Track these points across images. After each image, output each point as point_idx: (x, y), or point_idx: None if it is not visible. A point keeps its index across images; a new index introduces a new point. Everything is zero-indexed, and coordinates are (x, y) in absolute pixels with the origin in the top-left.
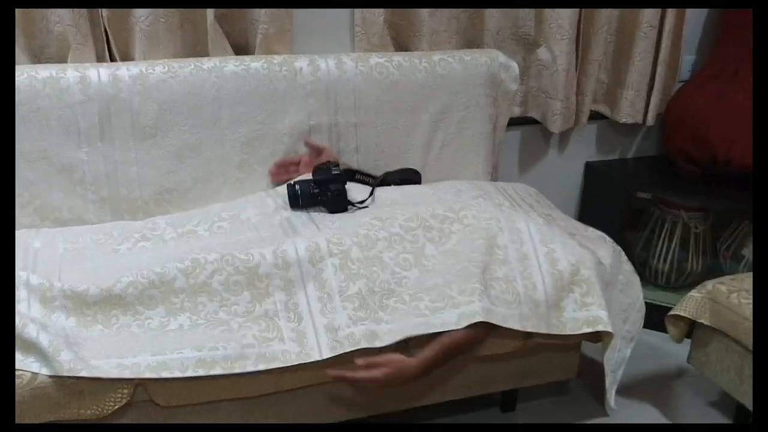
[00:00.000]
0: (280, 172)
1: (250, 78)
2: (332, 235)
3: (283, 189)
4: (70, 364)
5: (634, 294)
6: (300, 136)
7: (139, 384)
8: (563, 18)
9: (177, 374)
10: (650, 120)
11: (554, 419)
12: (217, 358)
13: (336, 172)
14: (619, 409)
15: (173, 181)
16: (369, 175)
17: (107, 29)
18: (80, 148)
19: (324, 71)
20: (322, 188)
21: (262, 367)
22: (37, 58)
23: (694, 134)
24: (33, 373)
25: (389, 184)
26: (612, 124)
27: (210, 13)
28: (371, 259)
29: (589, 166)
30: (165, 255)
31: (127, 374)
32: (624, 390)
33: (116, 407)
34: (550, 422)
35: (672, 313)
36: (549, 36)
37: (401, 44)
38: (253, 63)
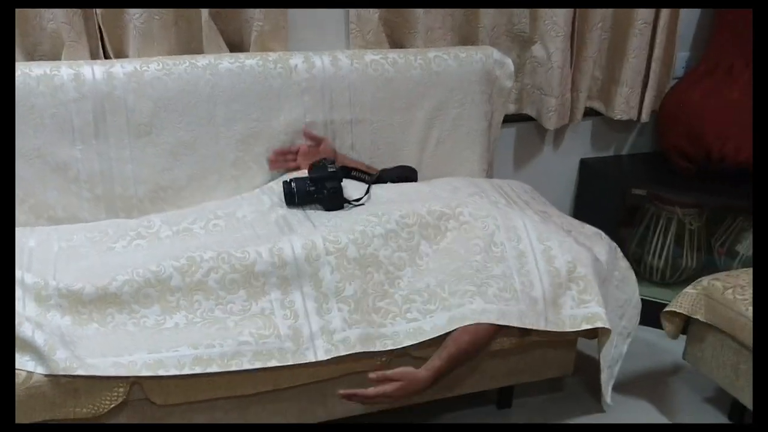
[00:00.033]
0: (278, 160)
1: (245, 75)
2: (328, 233)
3: (278, 186)
4: (66, 363)
5: (630, 290)
6: (295, 133)
7: (135, 382)
8: (558, 15)
9: (173, 372)
10: (645, 117)
11: (550, 416)
12: (213, 356)
13: (332, 170)
14: (615, 406)
15: (168, 178)
16: (365, 173)
17: (101, 26)
18: (75, 146)
19: (319, 68)
20: (318, 186)
21: (258, 364)
22: (31, 55)
23: (689, 131)
24: (28, 372)
25: (385, 182)
26: (607, 120)
27: (204, 10)
28: (367, 258)
29: (583, 162)
30: (160, 253)
31: (123, 372)
32: (620, 386)
33: (112, 406)
34: (547, 419)
35: (667, 309)
36: (544, 33)
37: (396, 41)
38: (248, 60)
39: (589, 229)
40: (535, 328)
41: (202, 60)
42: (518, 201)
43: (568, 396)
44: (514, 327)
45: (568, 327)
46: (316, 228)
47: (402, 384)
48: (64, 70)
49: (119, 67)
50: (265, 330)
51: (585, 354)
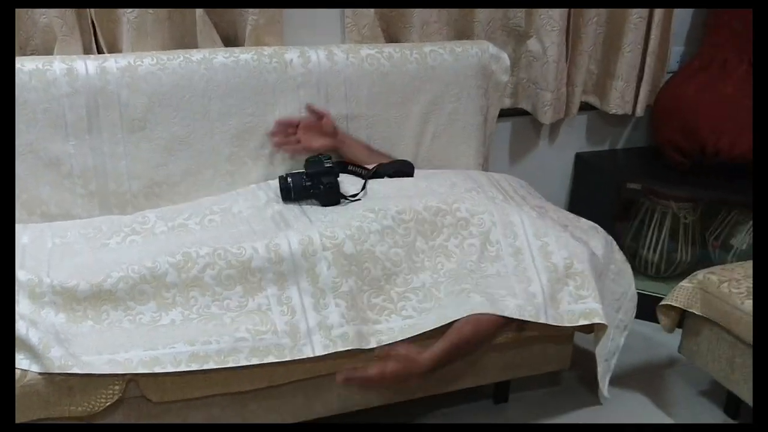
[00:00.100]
0: (280, 132)
1: (239, 70)
2: (325, 229)
3: (274, 182)
4: (61, 361)
5: (626, 283)
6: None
7: (131, 380)
8: (553, 9)
9: (170, 369)
10: (639, 111)
11: (547, 410)
12: (210, 353)
13: (328, 165)
14: (611, 399)
15: (163, 174)
16: (362, 167)
17: (94, 21)
18: (68, 141)
19: (315, 63)
20: (314, 181)
21: (255, 361)
22: (23, 50)
23: (683, 125)
24: (23, 370)
25: (382, 176)
26: (602, 115)
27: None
28: (363, 254)
29: (579, 157)
30: (156, 249)
31: (119, 370)
32: (616, 380)
33: (108, 404)
34: (544, 413)
35: (663, 303)
36: (539, 27)
37: (392, 36)
38: (243, 55)
39: (585, 223)
40: (534, 320)
41: (196, 54)
42: (515, 196)
43: (564, 390)
44: (512, 323)
45: (567, 322)
46: (313, 223)
47: (402, 366)
48: (56, 65)
49: (113, 62)
50: (262, 326)
51: (581, 348)
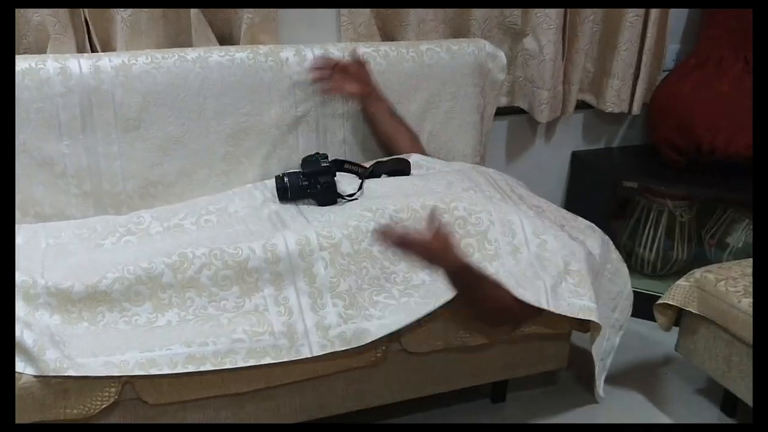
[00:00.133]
0: (319, 67)
1: (235, 68)
2: (322, 228)
3: (271, 181)
4: (56, 363)
5: (622, 282)
6: (287, 127)
7: (127, 382)
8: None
9: (166, 371)
10: (636, 109)
11: (544, 409)
12: (207, 354)
13: (325, 164)
14: (608, 398)
15: (158, 174)
16: (359, 166)
17: (87, 19)
18: (61, 141)
19: (310, 61)
20: (311, 180)
21: (252, 362)
22: (15, 48)
23: (679, 123)
24: (18, 373)
25: (378, 175)
26: (598, 113)
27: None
28: (361, 253)
29: (575, 155)
30: (151, 250)
31: (115, 372)
32: (612, 378)
33: (103, 406)
34: (541, 412)
35: (660, 301)
36: (536, 25)
37: (388, 34)
38: (238, 53)
39: (582, 223)
40: (535, 304)
41: (191, 53)
42: (512, 195)
43: (561, 389)
44: (516, 309)
45: (567, 312)
46: (310, 223)
47: (436, 245)
48: (50, 64)
49: (107, 61)
50: (259, 327)
51: (578, 347)
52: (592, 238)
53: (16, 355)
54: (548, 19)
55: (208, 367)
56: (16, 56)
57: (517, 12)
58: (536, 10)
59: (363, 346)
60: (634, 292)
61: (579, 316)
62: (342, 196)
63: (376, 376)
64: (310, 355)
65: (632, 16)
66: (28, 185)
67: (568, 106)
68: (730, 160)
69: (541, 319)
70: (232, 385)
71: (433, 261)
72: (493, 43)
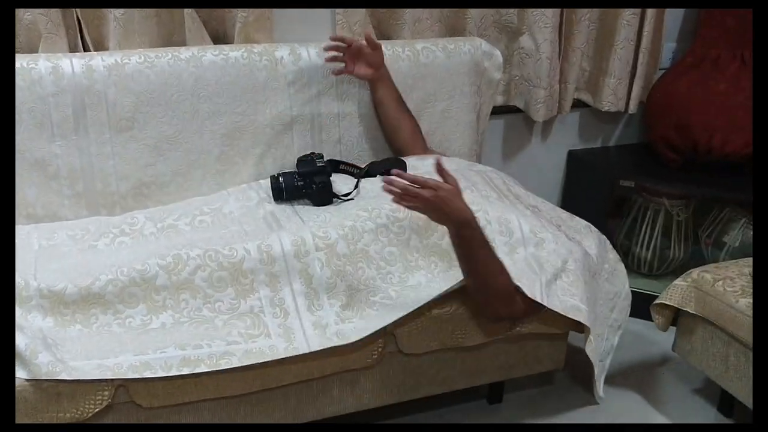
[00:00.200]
0: (333, 48)
1: (229, 68)
2: (318, 229)
3: (266, 182)
4: (49, 367)
5: (620, 282)
6: (282, 127)
7: (121, 385)
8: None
9: (161, 374)
10: (632, 108)
11: (542, 410)
12: (201, 356)
13: (320, 164)
14: (605, 398)
15: (151, 174)
16: (354, 166)
17: (80, 18)
18: (53, 141)
19: (306, 60)
20: (306, 180)
21: (248, 362)
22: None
23: (676, 122)
24: None
25: (374, 175)
26: (594, 112)
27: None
28: (357, 254)
29: (571, 154)
30: (145, 251)
31: (108, 375)
32: (609, 378)
33: (96, 410)
34: (538, 413)
35: (657, 302)
36: (532, 24)
37: (383, 32)
38: (233, 52)
39: (579, 222)
40: (530, 296)
41: (185, 52)
42: (509, 195)
43: (558, 389)
44: (514, 297)
45: (559, 308)
46: (305, 223)
47: (445, 189)
48: (41, 63)
49: (99, 60)
50: (254, 329)
51: (574, 347)
52: (589, 237)
53: None
54: (544, 17)
55: (203, 369)
56: None
57: (513, 10)
58: (533, 9)
59: (359, 346)
60: (630, 291)
61: (569, 315)
62: (338, 196)
63: (371, 377)
64: (308, 350)
65: (629, 14)
66: (21, 186)
67: (565, 104)
68: (726, 159)
69: (538, 319)
70: (227, 387)
71: (442, 207)
72: (490, 41)
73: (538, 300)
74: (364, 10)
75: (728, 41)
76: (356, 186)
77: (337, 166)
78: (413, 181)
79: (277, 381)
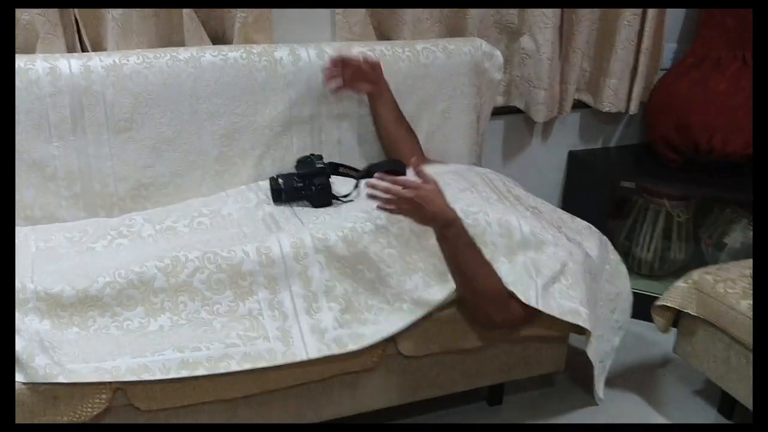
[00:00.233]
0: (334, 67)
1: (228, 68)
2: (317, 231)
3: (265, 183)
4: (46, 370)
5: (621, 283)
6: (281, 128)
7: (119, 388)
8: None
9: (159, 376)
10: (633, 108)
11: (542, 412)
12: (200, 359)
13: (320, 166)
14: (605, 399)
15: (150, 175)
16: (354, 169)
17: (78, 18)
18: (51, 142)
19: (305, 61)
20: (305, 182)
21: (247, 366)
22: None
23: (677, 123)
24: None
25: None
26: (595, 112)
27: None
28: (357, 256)
29: (572, 155)
30: (143, 253)
31: (106, 378)
32: (610, 380)
33: (94, 413)
34: (538, 415)
35: (658, 303)
36: (532, 24)
37: (383, 33)
38: (232, 53)
39: (580, 223)
40: (524, 300)
41: (183, 53)
42: (509, 196)
43: (559, 391)
44: (508, 303)
45: (556, 312)
46: (304, 225)
47: (427, 188)
48: (39, 64)
49: (97, 61)
50: (252, 332)
51: (575, 348)
52: (590, 238)
53: None
54: (545, 18)
55: (202, 372)
56: None
57: (513, 11)
58: (533, 9)
59: (359, 350)
60: (631, 292)
61: (567, 319)
62: (337, 198)
63: (371, 380)
64: (305, 358)
65: (629, 15)
66: (18, 187)
67: (565, 105)
68: (727, 160)
69: (538, 322)
70: (225, 390)
71: (424, 206)
72: (490, 42)
73: (533, 305)
74: (364, 10)
75: (729, 41)
76: (356, 187)
77: (336, 169)
78: (393, 182)
79: (276, 384)
